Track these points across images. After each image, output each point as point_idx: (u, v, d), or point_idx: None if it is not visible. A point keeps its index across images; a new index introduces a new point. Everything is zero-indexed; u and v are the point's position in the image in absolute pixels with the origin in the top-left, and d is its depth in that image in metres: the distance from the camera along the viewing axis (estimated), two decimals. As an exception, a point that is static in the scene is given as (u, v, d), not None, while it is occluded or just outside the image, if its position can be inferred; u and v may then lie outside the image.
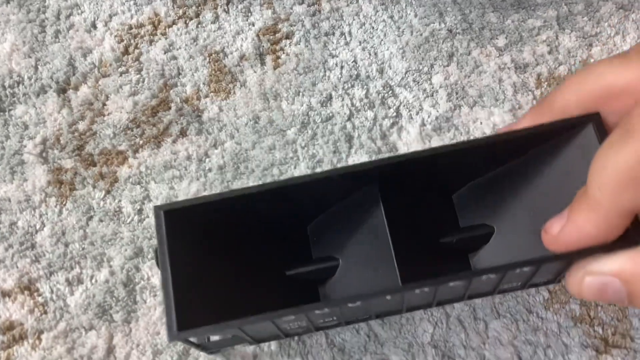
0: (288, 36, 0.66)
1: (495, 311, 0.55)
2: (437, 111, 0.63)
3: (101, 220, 0.60)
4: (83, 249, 0.59)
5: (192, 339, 0.44)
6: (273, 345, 0.54)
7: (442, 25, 0.66)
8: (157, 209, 0.44)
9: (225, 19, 0.67)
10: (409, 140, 0.61)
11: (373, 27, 0.66)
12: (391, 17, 0.67)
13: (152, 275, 0.57)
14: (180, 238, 0.44)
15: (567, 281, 0.43)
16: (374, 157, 0.61)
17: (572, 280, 0.42)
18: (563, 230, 0.40)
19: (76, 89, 0.65)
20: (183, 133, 0.63)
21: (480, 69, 0.64)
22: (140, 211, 0.60)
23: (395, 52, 0.65)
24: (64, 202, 0.60)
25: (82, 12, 0.68)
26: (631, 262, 0.39)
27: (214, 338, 0.49)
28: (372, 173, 0.46)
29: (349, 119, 0.62)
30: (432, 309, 0.55)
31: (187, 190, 0.60)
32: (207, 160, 0.62)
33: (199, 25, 0.67)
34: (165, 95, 0.64)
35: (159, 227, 0.43)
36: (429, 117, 0.62)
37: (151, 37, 0.67)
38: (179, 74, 0.65)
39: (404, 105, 0.63)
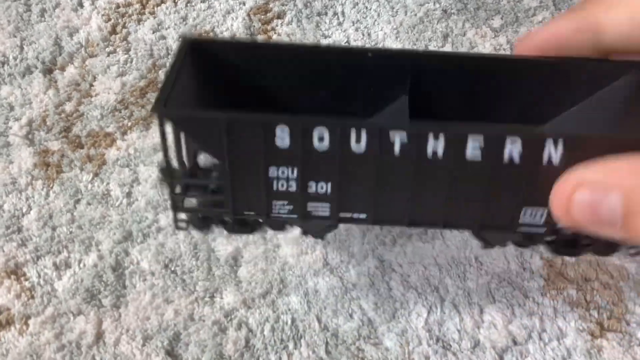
0: (279, 16, 0.65)
1: (490, 296, 0.55)
2: (432, 93, 0.62)
3: (89, 204, 0.58)
4: (71, 232, 0.57)
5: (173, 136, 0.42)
6: (266, 330, 0.54)
7: (437, 5, 0.64)
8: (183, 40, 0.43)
9: (215, -2, 0.66)
10: (403, 123, 0.60)
11: (366, 7, 0.65)
12: (385, -4, 0.65)
13: (141, 259, 0.56)
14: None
15: (553, 197, 0.38)
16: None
17: (559, 195, 0.37)
18: None
19: (62, 69, 0.63)
20: (173, 115, 0.61)
21: (475, 50, 0.63)
22: (129, 194, 0.59)
23: (389, 33, 0.64)
24: (50, 185, 0.59)
25: (68, -9, 0.66)
26: (635, 170, 0.33)
27: (191, 203, 0.46)
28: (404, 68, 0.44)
29: (342, 101, 0.61)
30: (427, 293, 0.55)
31: (177, 173, 0.59)
32: (198, 142, 0.60)
33: (188, 4, 0.66)
34: (154, 76, 0.63)
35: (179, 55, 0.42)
36: (423, 99, 0.61)
37: (139, 16, 0.65)
38: (168, 54, 0.64)
39: (398, 87, 0.62)
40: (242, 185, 0.43)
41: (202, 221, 0.47)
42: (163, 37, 0.64)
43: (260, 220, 0.47)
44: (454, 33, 0.64)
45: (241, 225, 0.48)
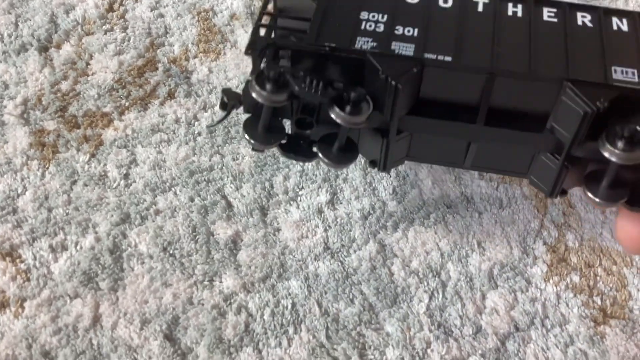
0: (281, -5, 0.64)
1: (492, 281, 0.54)
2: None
3: (86, 185, 0.57)
4: (67, 214, 0.56)
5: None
6: (266, 315, 0.53)
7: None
8: None
9: (215, -24, 0.64)
10: (406, 105, 0.59)
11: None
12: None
13: (139, 242, 0.55)
14: None
15: (620, 227, 0.40)
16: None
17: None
18: None
19: (58, 47, 0.62)
20: (171, 95, 0.60)
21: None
22: (126, 176, 0.58)
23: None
24: (46, 166, 0.58)
25: (64, -34, 0.65)
26: None
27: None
28: None
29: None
30: (428, 278, 0.54)
31: (175, 155, 0.58)
32: (197, 123, 0.59)
33: (188, -18, 0.64)
34: (152, 55, 0.62)
35: None
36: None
37: (137, -7, 0.64)
38: (167, 33, 0.63)
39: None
40: (331, 19, 0.44)
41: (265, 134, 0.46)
42: (161, 15, 0.63)
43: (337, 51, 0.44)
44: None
45: (302, 127, 0.46)
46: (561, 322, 0.53)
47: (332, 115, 0.42)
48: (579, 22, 0.45)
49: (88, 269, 0.55)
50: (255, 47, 0.43)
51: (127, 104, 0.60)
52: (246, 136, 0.45)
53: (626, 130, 0.39)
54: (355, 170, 0.59)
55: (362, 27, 0.43)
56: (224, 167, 0.58)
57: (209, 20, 0.63)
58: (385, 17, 0.44)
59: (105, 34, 0.62)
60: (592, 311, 0.53)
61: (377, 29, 0.43)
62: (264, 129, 0.45)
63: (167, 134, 0.59)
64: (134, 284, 0.54)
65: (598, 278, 0.54)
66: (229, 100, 0.45)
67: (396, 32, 0.43)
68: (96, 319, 0.53)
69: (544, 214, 0.58)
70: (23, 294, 0.54)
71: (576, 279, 0.54)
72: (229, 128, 0.59)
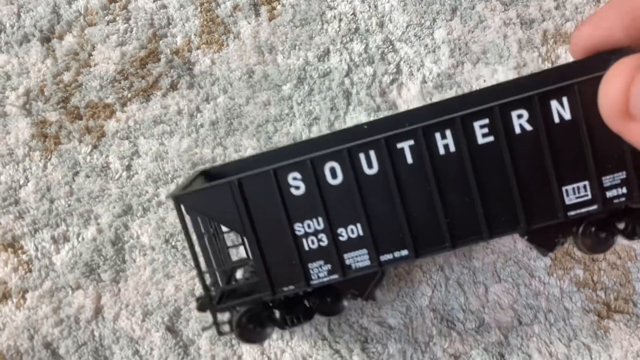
0: (284, -14, 0.63)
1: (496, 275, 0.54)
2: (439, 68, 0.60)
3: (88, 176, 0.57)
4: (69, 205, 0.56)
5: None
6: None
7: (446, -23, 0.63)
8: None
9: (218, -33, 0.64)
10: (409, 98, 0.59)
11: (373, -22, 0.63)
12: (392, -32, 0.64)
13: (141, 234, 0.55)
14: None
15: (603, 97, 0.34)
16: (372, 116, 0.58)
17: (613, 86, 0.32)
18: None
19: (61, 38, 0.62)
20: (173, 86, 0.60)
21: (484, 24, 0.61)
22: (128, 167, 0.57)
23: (396, 5, 0.62)
24: (48, 157, 0.58)
25: (66, -43, 0.64)
26: None
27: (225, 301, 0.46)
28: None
29: (347, 75, 0.60)
30: (431, 272, 0.54)
31: (177, 147, 0.58)
32: (199, 115, 0.59)
33: (191, -27, 0.64)
34: (155, 46, 0.61)
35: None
36: (430, 74, 0.60)
37: (140, -16, 0.64)
38: (169, 23, 0.62)
39: (404, 61, 0.60)
40: (272, 254, 0.42)
41: (247, 331, 0.45)
42: (164, 6, 0.62)
43: (300, 294, 0.45)
44: (462, 6, 0.62)
45: (287, 311, 0.46)
46: (565, 316, 0.53)
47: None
48: (517, 130, 0.41)
49: (90, 261, 0.54)
50: (212, 309, 0.44)
51: (129, 95, 0.60)
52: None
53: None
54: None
55: (306, 246, 0.42)
56: (226, 159, 0.58)
57: (212, 12, 0.62)
58: (321, 221, 0.41)
59: (108, 24, 0.62)
60: (596, 305, 0.53)
61: (321, 243, 0.42)
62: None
63: (169, 125, 0.59)
64: (135, 276, 0.54)
65: (602, 272, 0.54)
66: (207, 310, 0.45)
67: (341, 238, 0.42)
68: (98, 311, 0.53)
69: (548, 208, 0.57)
70: (25, 285, 0.54)
71: (580, 273, 0.54)
72: (232, 120, 0.59)
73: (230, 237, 0.53)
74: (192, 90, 0.60)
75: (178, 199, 0.41)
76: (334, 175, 0.41)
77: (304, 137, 0.58)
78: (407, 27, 0.61)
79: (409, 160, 0.41)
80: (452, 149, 0.41)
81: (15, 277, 0.54)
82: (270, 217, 0.41)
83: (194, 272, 0.54)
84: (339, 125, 0.58)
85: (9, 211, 0.56)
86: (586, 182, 0.41)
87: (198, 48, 0.61)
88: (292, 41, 0.61)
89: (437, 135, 0.41)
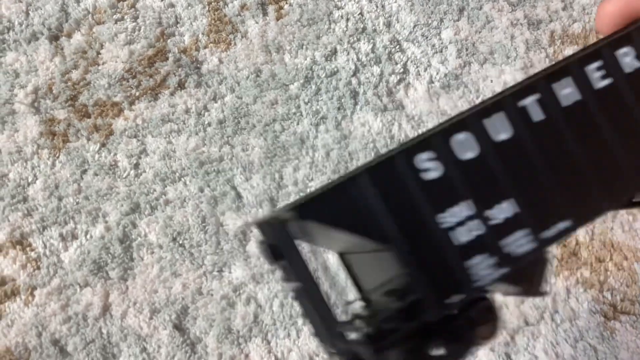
0: (292, -15, 0.63)
1: (502, 275, 0.54)
2: (446, 68, 0.60)
3: (96, 174, 0.57)
4: (77, 203, 0.56)
5: None
6: (275, 306, 0.53)
7: (454, -23, 0.63)
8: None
9: (226, -34, 0.64)
10: (416, 98, 0.59)
11: (381, -22, 0.64)
12: (400, -32, 0.64)
13: (149, 232, 0.56)
14: None
15: None
16: (379, 115, 0.58)
17: None
18: None
19: (69, 36, 0.62)
20: (181, 85, 0.60)
21: (491, 24, 0.61)
22: (136, 165, 0.58)
23: (403, 5, 0.62)
24: (57, 155, 0.58)
25: (75, -45, 0.65)
26: None
27: None
28: None
29: (354, 75, 0.60)
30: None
31: (185, 145, 0.58)
32: (207, 114, 0.59)
33: (199, -28, 0.64)
34: (163, 45, 0.61)
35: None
36: (437, 74, 0.60)
37: (148, -17, 0.64)
38: (177, 22, 0.62)
39: (411, 61, 0.60)
40: (421, 261, 0.30)
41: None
42: (172, 5, 0.63)
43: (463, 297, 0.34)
44: (470, 6, 0.62)
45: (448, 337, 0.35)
46: (571, 317, 0.53)
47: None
48: (627, 69, 0.36)
49: (98, 258, 0.55)
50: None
51: (137, 93, 0.60)
52: None
53: None
54: (365, 163, 0.59)
55: (458, 240, 0.31)
56: (233, 158, 0.58)
57: (220, 11, 0.62)
58: (469, 205, 0.32)
59: (116, 23, 0.62)
60: (602, 306, 0.53)
61: (475, 232, 0.32)
62: None
63: (177, 124, 0.59)
64: (143, 274, 0.54)
65: (608, 273, 0.54)
66: None
67: (493, 222, 0.32)
68: (106, 308, 0.53)
69: (555, 208, 0.58)
70: (33, 282, 0.54)
71: (586, 273, 0.54)
72: (239, 119, 0.59)
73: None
74: (199, 89, 0.60)
75: (300, 211, 0.28)
76: (464, 148, 0.35)
77: (311, 136, 0.58)
78: (414, 27, 0.61)
79: (538, 116, 0.35)
80: (575, 97, 0.36)
81: (24, 274, 0.54)
82: (407, 214, 0.32)
83: (202, 271, 0.54)
84: (345, 125, 0.58)
85: (18, 209, 0.56)
86: None
87: (206, 47, 0.61)
88: (300, 40, 0.61)
89: (556, 86, 0.35)
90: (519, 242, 0.32)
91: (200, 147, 0.58)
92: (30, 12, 0.62)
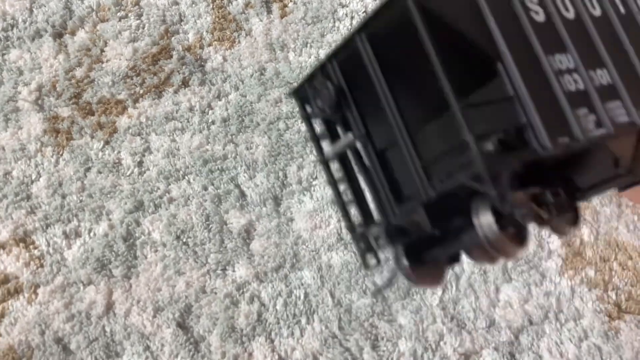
0: (296, -17, 0.63)
1: (507, 275, 0.54)
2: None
3: (100, 172, 0.57)
4: (81, 201, 0.56)
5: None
6: (279, 304, 0.53)
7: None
8: None
9: (230, -36, 0.64)
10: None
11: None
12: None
13: (153, 230, 0.55)
14: None
15: None
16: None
17: None
18: None
19: (73, 33, 0.62)
20: (185, 83, 0.60)
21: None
22: (140, 163, 0.58)
23: (408, 3, 0.62)
24: (60, 152, 0.58)
25: (79, -48, 0.64)
26: None
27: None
28: None
29: (358, 73, 0.60)
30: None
31: (189, 143, 0.58)
32: (211, 112, 0.59)
33: (203, -30, 0.64)
34: (167, 42, 0.61)
35: None
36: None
37: (152, -20, 0.64)
38: (181, 20, 0.62)
39: (416, 60, 0.60)
40: (534, 90, 0.29)
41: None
42: (176, 3, 0.62)
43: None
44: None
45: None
46: (575, 317, 0.53)
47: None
48: None
49: (101, 256, 0.55)
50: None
51: (141, 91, 0.60)
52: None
53: None
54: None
55: (566, 88, 0.30)
56: (237, 156, 0.58)
57: (224, 8, 0.62)
58: (571, 57, 0.31)
59: (120, 20, 0.62)
60: (607, 306, 0.53)
61: (579, 86, 0.31)
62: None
63: (181, 122, 0.59)
64: (147, 272, 0.54)
65: (613, 273, 0.54)
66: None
67: (596, 83, 0.31)
68: (109, 306, 0.53)
69: (559, 208, 0.57)
70: (36, 280, 0.54)
71: (591, 273, 0.54)
72: (243, 117, 0.59)
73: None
74: (203, 87, 0.60)
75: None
76: (566, 7, 0.33)
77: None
78: (419, 25, 0.61)
79: (622, 10, 0.33)
80: None
81: (27, 272, 0.54)
82: (521, 44, 0.30)
83: (206, 269, 0.54)
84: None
85: (21, 206, 0.56)
86: None
87: (210, 45, 0.61)
88: (304, 39, 0.61)
89: None
90: (617, 112, 0.31)
91: (204, 145, 0.58)
92: (34, 9, 0.62)
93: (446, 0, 0.29)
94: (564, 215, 0.32)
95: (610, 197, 0.58)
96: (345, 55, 0.32)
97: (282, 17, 0.62)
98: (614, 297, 0.53)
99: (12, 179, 0.57)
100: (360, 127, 0.32)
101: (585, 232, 0.56)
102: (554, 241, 0.55)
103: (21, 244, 0.55)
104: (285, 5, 0.63)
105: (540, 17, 0.31)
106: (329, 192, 0.57)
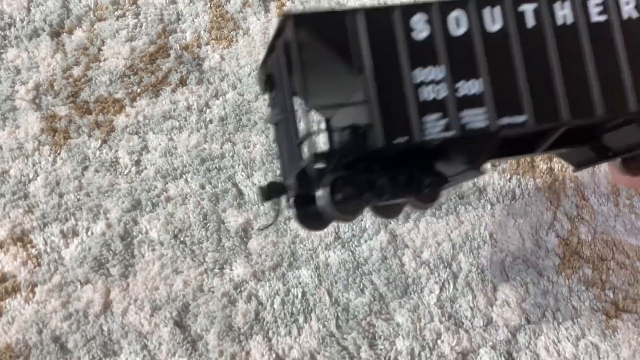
0: (294, -18, 0.63)
1: (504, 273, 0.54)
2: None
3: (97, 171, 0.57)
4: (78, 200, 0.56)
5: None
6: (276, 303, 0.53)
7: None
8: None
9: (228, -37, 0.64)
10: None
11: (383, -25, 0.63)
12: (402, -35, 0.64)
13: (150, 229, 0.55)
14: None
15: None
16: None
17: None
18: None
19: (70, 32, 0.62)
20: (183, 82, 0.60)
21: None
22: (138, 162, 0.58)
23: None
24: (58, 151, 0.58)
25: (76, -49, 0.64)
26: None
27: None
28: None
29: (356, 71, 0.60)
30: (439, 270, 0.54)
31: (187, 142, 0.58)
32: (208, 111, 0.59)
33: (201, -31, 0.64)
34: (164, 41, 0.61)
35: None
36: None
37: (150, -21, 0.64)
38: (179, 19, 0.62)
39: (414, 58, 0.60)
40: (386, 100, 0.37)
41: (343, 199, 0.40)
42: (174, 2, 0.62)
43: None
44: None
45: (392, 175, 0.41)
46: (573, 315, 0.53)
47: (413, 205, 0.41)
48: (625, 15, 0.41)
49: (99, 255, 0.55)
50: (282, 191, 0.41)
51: (138, 90, 0.60)
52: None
53: None
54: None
55: (423, 96, 0.38)
56: (235, 155, 0.58)
57: (222, 7, 0.62)
58: (443, 69, 0.38)
59: (118, 19, 0.62)
60: (604, 305, 0.53)
61: (440, 94, 0.38)
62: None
63: (178, 120, 0.59)
64: (144, 271, 0.54)
65: (610, 271, 0.54)
66: (273, 194, 0.42)
67: (459, 92, 0.39)
68: (107, 305, 0.53)
69: (557, 206, 0.57)
70: (34, 279, 0.54)
71: (589, 272, 0.54)
72: (241, 116, 0.59)
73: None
74: (201, 86, 0.60)
75: (299, 18, 0.36)
76: (458, 24, 0.39)
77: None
78: (416, 24, 0.61)
79: (530, 23, 0.40)
80: (570, 21, 0.40)
81: (25, 271, 0.54)
82: (390, 59, 0.38)
83: (203, 268, 0.54)
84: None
85: (18, 205, 0.56)
86: None
87: (207, 44, 0.61)
88: (302, 38, 0.61)
89: (557, 5, 0.40)
90: (475, 118, 0.38)
91: (201, 144, 0.58)
92: (31, 8, 0.62)
93: (326, 28, 0.37)
94: (409, 194, 0.40)
95: (607, 196, 0.58)
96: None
97: (279, 15, 0.62)
98: (611, 295, 0.53)
99: (9, 177, 0.57)
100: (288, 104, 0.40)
101: (582, 230, 0.56)
102: (552, 240, 0.55)
103: (18, 243, 0.55)
104: (283, 4, 0.63)
105: (422, 35, 0.38)
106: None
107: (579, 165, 0.48)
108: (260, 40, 0.61)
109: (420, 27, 0.38)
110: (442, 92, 0.38)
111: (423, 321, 0.53)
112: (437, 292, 0.54)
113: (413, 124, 0.37)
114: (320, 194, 0.39)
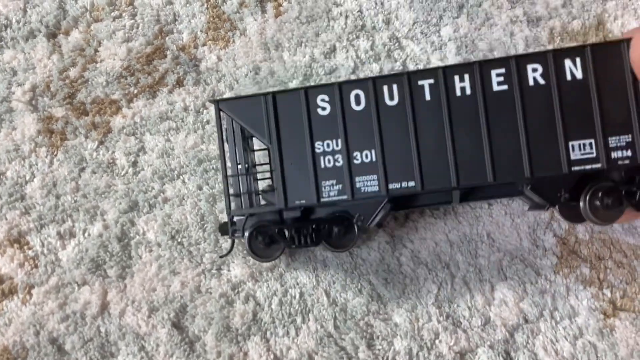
0: (290, -17, 0.63)
1: (502, 273, 0.54)
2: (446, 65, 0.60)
3: (94, 172, 0.57)
4: (75, 201, 0.56)
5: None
6: (274, 304, 0.53)
7: (453, -26, 0.63)
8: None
9: (224, -37, 0.64)
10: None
11: (380, -25, 0.63)
12: (399, -35, 0.64)
13: (147, 230, 0.55)
14: None
15: (634, 47, 0.40)
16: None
17: None
18: None
19: (67, 33, 0.62)
20: (180, 83, 0.60)
21: (491, 21, 0.61)
22: (135, 163, 0.57)
23: (402, 2, 0.62)
24: (54, 153, 0.58)
25: (72, -48, 0.64)
26: None
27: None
28: None
29: (353, 72, 0.60)
30: (437, 270, 0.54)
31: (184, 143, 0.58)
32: (205, 111, 0.59)
33: (197, -31, 0.64)
34: (161, 42, 0.61)
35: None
36: (436, 71, 0.60)
37: (146, -20, 0.63)
38: (175, 20, 0.62)
39: (410, 59, 0.60)
40: (291, 169, 0.47)
41: (257, 245, 0.49)
42: (170, 3, 0.62)
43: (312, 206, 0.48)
44: (469, 3, 0.62)
45: (297, 230, 0.49)
46: (570, 315, 0.53)
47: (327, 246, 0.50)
48: (531, 82, 0.46)
49: (96, 257, 0.55)
50: (229, 232, 0.50)
51: (135, 91, 0.59)
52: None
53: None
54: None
55: (322, 164, 0.46)
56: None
57: (218, 8, 0.62)
58: (340, 142, 0.46)
59: (114, 20, 0.62)
60: (602, 304, 0.53)
61: (337, 163, 0.46)
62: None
63: (175, 121, 0.59)
64: (142, 272, 0.54)
65: (608, 270, 0.54)
66: (224, 232, 0.51)
67: (356, 161, 0.46)
68: (104, 307, 0.53)
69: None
70: (31, 280, 0.54)
71: (586, 271, 0.54)
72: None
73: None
74: (198, 87, 0.60)
75: (218, 103, 0.47)
76: (358, 102, 0.46)
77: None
78: (413, 24, 0.61)
79: (427, 97, 0.46)
80: (468, 91, 0.46)
81: (22, 272, 0.54)
82: (296, 134, 0.46)
83: (200, 269, 0.54)
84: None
85: (15, 207, 0.56)
86: (592, 140, 0.45)
87: (204, 44, 0.61)
88: (298, 38, 0.61)
89: (456, 78, 0.46)
90: (368, 183, 0.45)
91: (198, 144, 0.58)
92: (27, 9, 0.62)
93: (242, 110, 0.47)
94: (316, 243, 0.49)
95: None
96: None
97: (276, 16, 0.62)
98: (609, 294, 0.53)
99: (6, 179, 0.57)
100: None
101: (580, 230, 0.56)
102: (549, 239, 0.55)
103: (15, 245, 0.55)
104: (280, 5, 0.63)
105: (325, 112, 0.46)
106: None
107: (530, 209, 0.54)
108: (257, 41, 0.61)
109: (323, 105, 0.46)
110: (340, 161, 0.46)
111: (421, 321, 0.53)
112: (435, 292, 0.54)
113: (311, 189, 0.46)
114: (244, 240, 0.49)
